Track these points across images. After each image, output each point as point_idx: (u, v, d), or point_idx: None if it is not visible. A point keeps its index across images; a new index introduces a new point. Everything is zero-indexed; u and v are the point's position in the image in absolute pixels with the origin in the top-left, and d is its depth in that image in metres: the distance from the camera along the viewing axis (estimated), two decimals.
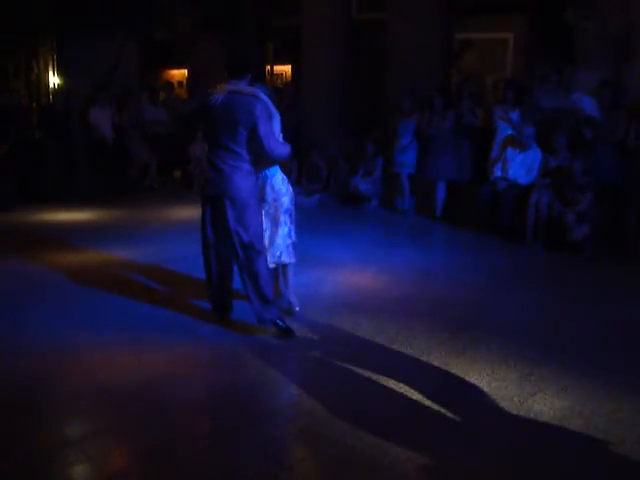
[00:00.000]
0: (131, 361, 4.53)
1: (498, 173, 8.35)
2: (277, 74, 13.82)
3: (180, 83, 15.73)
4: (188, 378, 4.30)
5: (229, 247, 4.92)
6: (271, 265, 5.23)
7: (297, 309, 5.40)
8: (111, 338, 4.87)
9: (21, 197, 9.83)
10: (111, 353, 4.62)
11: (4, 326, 5.11)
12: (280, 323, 4.98)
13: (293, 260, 5.33)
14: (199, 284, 5.48)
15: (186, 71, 15.30)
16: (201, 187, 5.04)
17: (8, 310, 5.47)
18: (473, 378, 4.27)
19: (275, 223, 5.15)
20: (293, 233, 5.27)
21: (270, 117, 4.90)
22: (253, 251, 4.85)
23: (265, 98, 4.89)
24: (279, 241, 5.18)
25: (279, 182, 5.16)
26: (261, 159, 4.93)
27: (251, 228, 4.84)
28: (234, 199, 4.80)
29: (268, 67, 13.53)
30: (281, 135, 5.10)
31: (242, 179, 4.81)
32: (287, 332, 4.96)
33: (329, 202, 10.23)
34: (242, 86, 4.85)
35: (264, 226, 5.09)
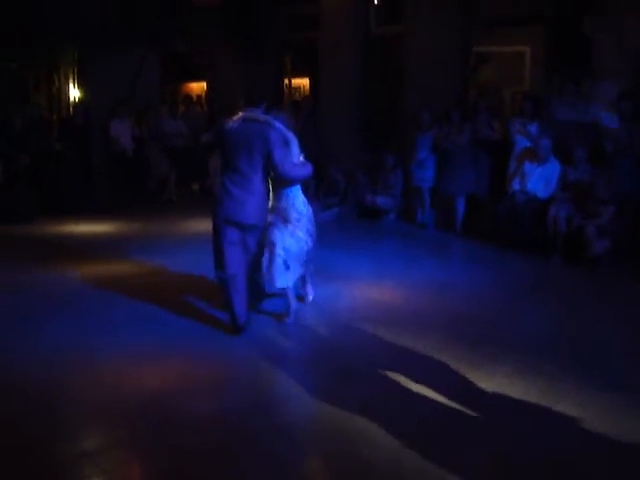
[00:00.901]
0: (148, 373, 4.55)
1: (516, 187, 8.29)
2: (295, 87, 13.87)
3: (199, 97, 15.83)
4: (204, 390, 4.32)
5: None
6: (293, 283, 5.46)
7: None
8: (128, 349, 4.90)
9: (41, 209, 9.94)
10: (127, 365, 4.65)
11: (23, 336, 5.17)
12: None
13: (302, 272, 5.53)
14: (217, 295, 5.51)
15: (205, 85, 15.40)
16: (214, 207, 5.15)
17: (26, 321, 5.52)
18: (491, 392, 4.23)
19: (298, 242, 5.33)
20: (312, 250, 5.50)
21: (287, 143, 5.04)
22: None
23: (279, 126, 5.00)
24: (302, 258, 5.41)
25: (300, 204, 5.36)
26: (280, 181, 5.15)
27: (254, 249, 5.19)
28: (245, 224, 5.05)
29: (286, 80, 13.57)
30: (302, 155, 5.22)
31: (255, 205, 5.04)
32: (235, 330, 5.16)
33: (347, 216, 10.23)
34: (257, 114, 4.96)
35: (286, 244, 5.26)
